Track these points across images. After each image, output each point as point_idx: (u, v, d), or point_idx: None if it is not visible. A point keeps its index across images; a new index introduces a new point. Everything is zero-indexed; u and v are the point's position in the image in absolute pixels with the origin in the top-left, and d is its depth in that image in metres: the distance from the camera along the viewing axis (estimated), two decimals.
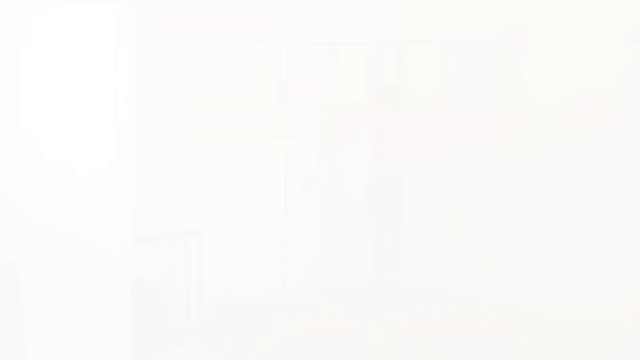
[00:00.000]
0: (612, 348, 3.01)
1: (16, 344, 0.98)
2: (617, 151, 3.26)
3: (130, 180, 1.13)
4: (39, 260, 1.06)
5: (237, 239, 3.43)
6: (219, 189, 3.36)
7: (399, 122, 3.58)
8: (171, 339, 2.94)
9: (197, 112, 3.21)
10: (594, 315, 3.30)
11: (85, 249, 1.12)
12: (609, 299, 3.27)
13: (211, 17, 3.27)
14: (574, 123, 3.40)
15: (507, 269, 3.66)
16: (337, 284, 4.00)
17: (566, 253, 3.43)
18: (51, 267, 1.04)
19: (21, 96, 1.05)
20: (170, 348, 2.87)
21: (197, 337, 3.02)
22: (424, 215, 3.96)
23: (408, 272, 4.06)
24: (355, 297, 3.80)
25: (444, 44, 3.70)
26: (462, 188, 3.88)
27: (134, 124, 1.14)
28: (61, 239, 1.07)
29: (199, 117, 3.21)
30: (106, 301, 1.17)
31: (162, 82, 3.05)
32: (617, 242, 3.27)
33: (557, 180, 3.47)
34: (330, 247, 4.00)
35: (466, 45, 3.60)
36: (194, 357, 2.88)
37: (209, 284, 3.18)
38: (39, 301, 1.04)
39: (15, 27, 1.00)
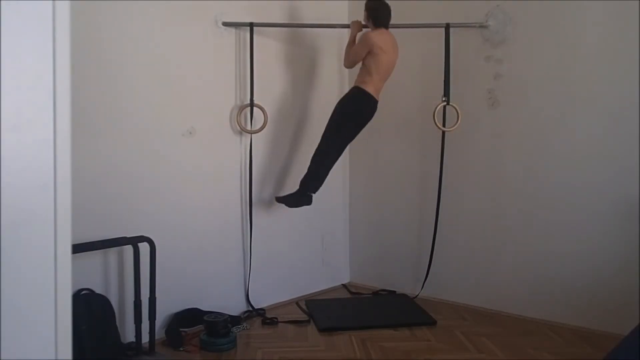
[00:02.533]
0: None
1: None
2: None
3: (69, 183, 1.04)
4: None
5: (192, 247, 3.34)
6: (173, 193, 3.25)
7: None
8: (119, 354, 2.84)
9: (146, 98, 3.09)
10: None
11: (23, 259, 1.03)
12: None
13: None
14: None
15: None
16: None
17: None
18: None
19: None
20: None
21: (147, 352, 2.92)
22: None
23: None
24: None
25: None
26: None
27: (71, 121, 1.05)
28: None
29: (146, 104, 3.09)
30: (46, 313, 1.08)
31: (107, 75, 2.93)
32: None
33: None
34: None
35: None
36: None
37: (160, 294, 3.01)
38: None
39: None
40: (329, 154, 3.59)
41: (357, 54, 3.52)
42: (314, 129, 4.09)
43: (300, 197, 3.62)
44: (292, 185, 3.96)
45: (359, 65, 3.55)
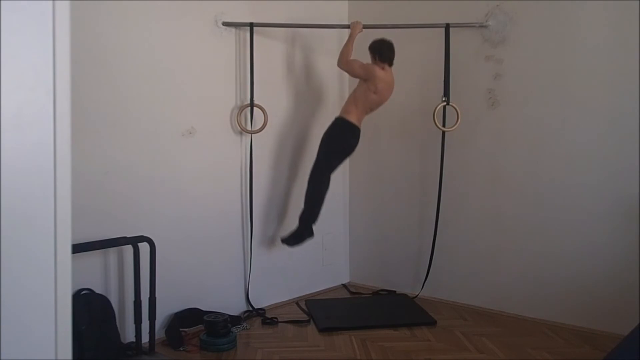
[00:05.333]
0: None
1: None
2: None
3: (69, 183, 1.04)
4: None
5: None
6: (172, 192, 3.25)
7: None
8: (119, 354, 2.83)
9: (145, 99, 3.09)
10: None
11: (22, 259, 1.02)
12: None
13: None
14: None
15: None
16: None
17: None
18: None
19: None
20: None
21: (147, 352, 2.92)
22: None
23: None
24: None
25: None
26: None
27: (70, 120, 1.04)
28: None
29: (146, 104, 3.09)
30: (46, 313, 1.08)
31: (107, 75, 2.93)
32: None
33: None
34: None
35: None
36: None
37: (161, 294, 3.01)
38: None
39: None
40: (322, 186, 3.62)
41: (355, 71, 3.56)
42: (315, 129, 4.09)
43: (302, 234, 3.62)
44: (292, 185, 3.97)
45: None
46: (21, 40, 0.95)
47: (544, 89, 3.51)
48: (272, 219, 3.87)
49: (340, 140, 3.59)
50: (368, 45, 3.56)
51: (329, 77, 4.16)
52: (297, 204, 4.01)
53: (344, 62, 3.58)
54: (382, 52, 3.51)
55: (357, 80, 3.63)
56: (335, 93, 4.22)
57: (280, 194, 3.90)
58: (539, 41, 3.52)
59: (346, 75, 4.17)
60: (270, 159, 3.82)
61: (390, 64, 3.55)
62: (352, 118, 3.54)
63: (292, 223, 3.99)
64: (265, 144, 3.73)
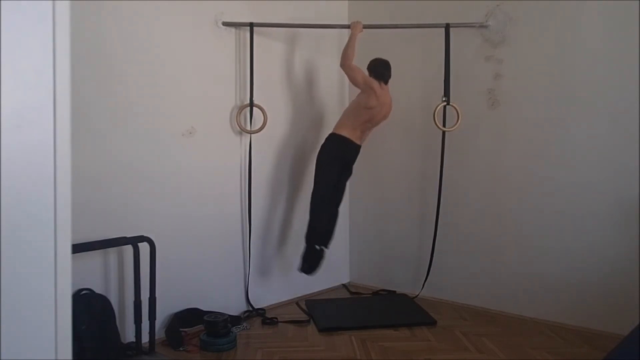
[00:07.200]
0: None
1: None
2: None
3: (69, 183, 1.04)
4: None
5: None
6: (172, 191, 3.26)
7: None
8: (119, 354, 2.83)
9: (145, 98, 3.09)
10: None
11: (22, 259, 1.02)
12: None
13: None
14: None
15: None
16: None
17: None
18: None
19: None
20: None
21: (147, 352, 2.92)
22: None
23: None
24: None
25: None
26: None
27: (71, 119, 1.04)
28: None
29: (146, 104, 3.09)
30: (46, 313, 1.08)
31: (107, 75, 2.93)
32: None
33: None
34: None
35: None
36: None
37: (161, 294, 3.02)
38: None
39: None
40: (322, 201, 3.62)
41: (356, 78, 3.55)
42: (314, 129, 4.09)
43: (310, 255, 3.63)
44: (292, 185, 3.97)
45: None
46: (21, 40, 0.95)
47: (544, 89, 3.51)
48: (272, 218, 3.86)
49: (332, 153, 3.61)
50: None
51: (329, 77, 4.16)
52: (297, 203, 4.01)
53: (347, 66, 3.56)
54: (376, 68, 3.54)
55: (356, 87, 3.63)
56: (335, 93, 4.22)
57: (280, 194, 3.90)
58: (539, 41, 3.52)
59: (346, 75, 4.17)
60: (269, 159, 3.82)
61: (386, 82, 3.57)
62: (343, 132, 3.58)
63: (291, 223, 3.99)
64: (264, 144, 3.73)
